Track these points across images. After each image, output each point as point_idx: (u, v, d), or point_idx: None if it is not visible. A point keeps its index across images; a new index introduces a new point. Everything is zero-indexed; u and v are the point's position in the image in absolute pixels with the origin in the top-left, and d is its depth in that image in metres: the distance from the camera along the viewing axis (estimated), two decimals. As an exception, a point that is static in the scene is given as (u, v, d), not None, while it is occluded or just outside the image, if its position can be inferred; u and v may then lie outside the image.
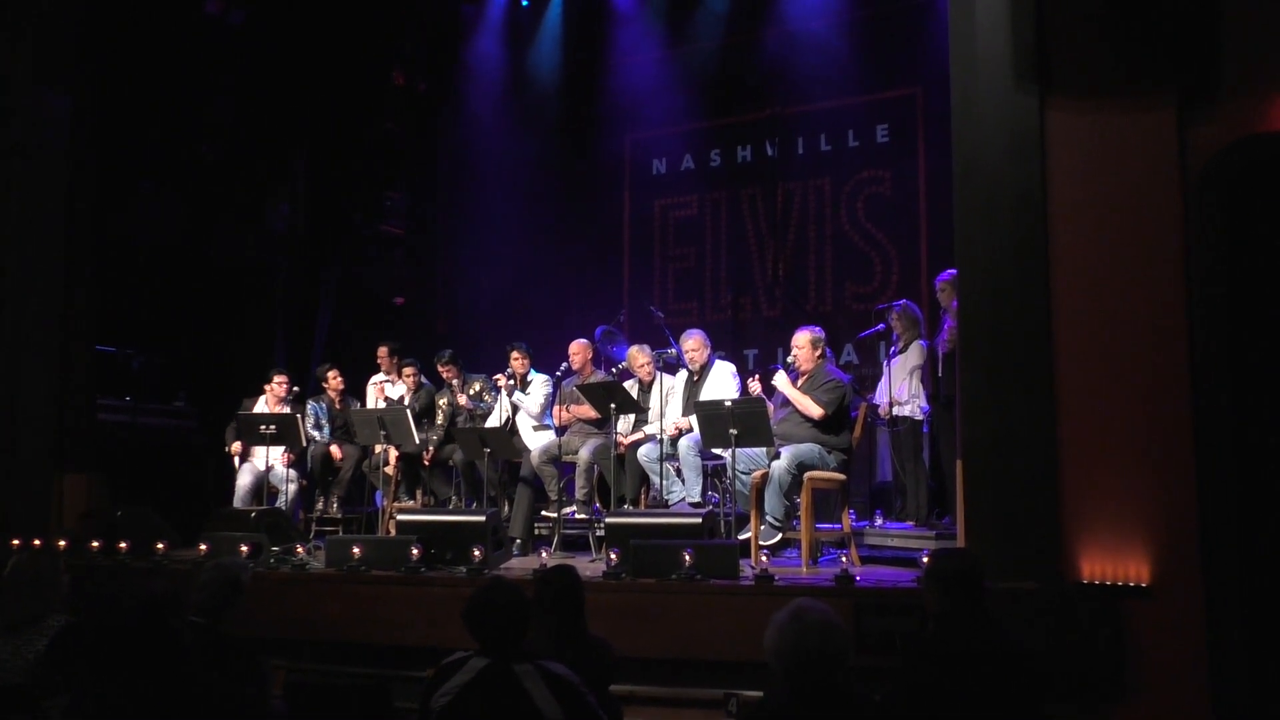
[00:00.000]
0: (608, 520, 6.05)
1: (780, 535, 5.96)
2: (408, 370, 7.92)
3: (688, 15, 9.73)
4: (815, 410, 6.07)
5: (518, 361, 7.35)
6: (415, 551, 5.71)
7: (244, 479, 7.42)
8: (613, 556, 5.44)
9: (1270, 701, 4.49)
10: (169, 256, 8.81)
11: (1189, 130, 4.77)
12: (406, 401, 7.71)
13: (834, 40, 9.07)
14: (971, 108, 5.11)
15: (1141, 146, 4.81)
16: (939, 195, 8.32)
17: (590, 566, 5.85)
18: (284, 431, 7.08)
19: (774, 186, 9.58)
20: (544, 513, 7.14)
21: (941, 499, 6.61)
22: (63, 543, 6.24)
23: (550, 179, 10.26)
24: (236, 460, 7.53)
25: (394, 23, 9.85)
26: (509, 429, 7.15)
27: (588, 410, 6.98)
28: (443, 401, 7.71)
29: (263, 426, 7.04)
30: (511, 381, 7.30)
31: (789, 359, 6.45)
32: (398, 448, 7.36)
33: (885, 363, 7.06)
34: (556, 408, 7.29)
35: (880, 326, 7.12)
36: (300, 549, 6.24)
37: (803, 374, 6.26)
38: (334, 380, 8.03)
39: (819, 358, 6.26)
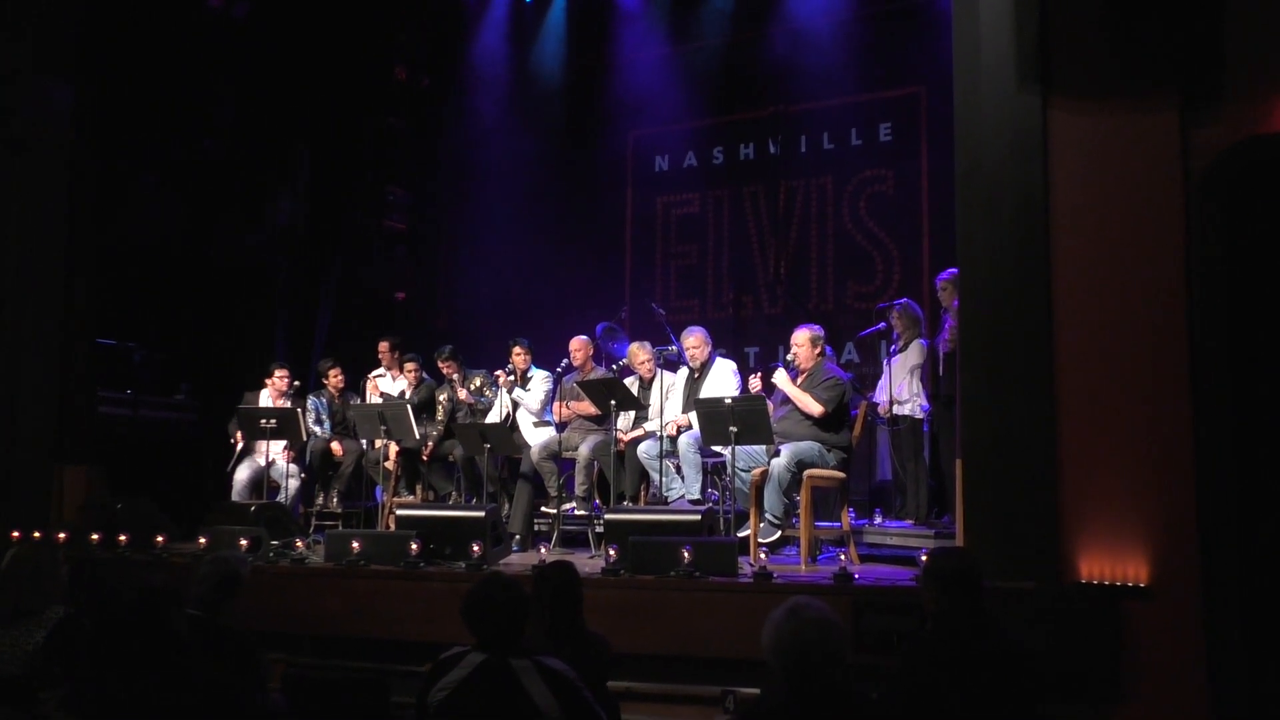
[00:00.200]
0: (607, 517, 6.06)
1: (779, 533, 5.97)
2: (409, 365, 7.93)
3: (692, 13, 9.70)
4: (815, 408, 6.07)
5: (519, 357, 7.35)
6: (414, 546, 5.71)
7: (241, 473, 7.41)
8: (612, 553, 5.44)
9: (1269, 702, 4.49)
10: (170, 251, 8.81)
11: (1191, 132, 4.77)
12: (407, 396, 7.72)
13: (837, 39, 9.05)
14: (974, 108, 5.11)
15: (1143, 148, 4.82)
16: (941, 194, 8.31)
17: (589, 563, 5.86)
18: (285, 426, 7.09)
19: (776, 184, 9.57)
20: (543, 509, 7.15)
21: (941, 498, 6.62)
22: (62, 535, 6.26)
23: (552, 175, 10.22)
24: (236, 451, 7.52)
25: (396, 18, 9.84)
26: (509, 425, 7.16)
27: (588, 407, 6.99)
28: (443, 397, 7.71)
29: (263, 421, 7.05)
30: (512, 377, 7.31)
31: (789, 357, 6.46)
32: (398, 443, 7.37)
33: (885, 361, 7.06)
34: (557, 404, 7.29)
35: (881, 325, 7.13)
36: (300, 543, 6.26)
37: (802, 372, 6.26)
38: (334, 378, 8.03)
39: (818, 356, 6.27)
